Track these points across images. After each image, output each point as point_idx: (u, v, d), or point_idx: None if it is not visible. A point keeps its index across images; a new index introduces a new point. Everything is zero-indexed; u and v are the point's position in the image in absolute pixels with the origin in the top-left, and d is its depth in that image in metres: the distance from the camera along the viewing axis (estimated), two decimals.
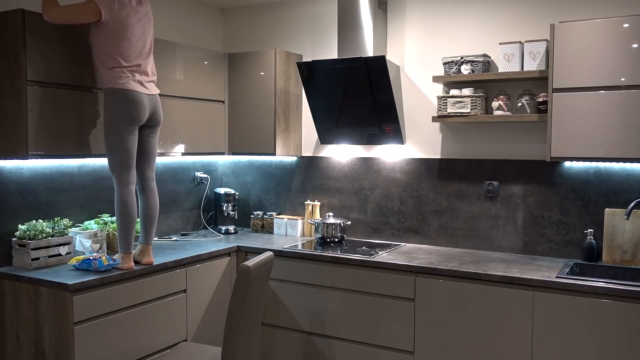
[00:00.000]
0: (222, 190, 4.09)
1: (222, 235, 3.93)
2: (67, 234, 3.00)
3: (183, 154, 3.63)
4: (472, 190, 3.46)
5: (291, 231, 3.95)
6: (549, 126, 2.91)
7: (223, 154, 3.97)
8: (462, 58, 3.27)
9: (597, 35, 2.78)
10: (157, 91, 3.01)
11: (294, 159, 4.09)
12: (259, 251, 3.33)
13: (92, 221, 3.22)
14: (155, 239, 3.74)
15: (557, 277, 2.72)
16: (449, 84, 3.42)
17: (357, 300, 3.20)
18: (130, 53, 2.83)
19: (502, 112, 3.20)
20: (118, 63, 2.79)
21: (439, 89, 3.48)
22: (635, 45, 2.70)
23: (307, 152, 4.06)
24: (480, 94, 3.24)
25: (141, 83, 2.87)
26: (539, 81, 3.12)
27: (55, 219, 3.04)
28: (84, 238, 3.03)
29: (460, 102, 3.24)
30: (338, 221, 3.69)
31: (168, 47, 3.47)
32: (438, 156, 3.57)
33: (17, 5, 2.74)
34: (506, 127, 3.35)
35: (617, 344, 2.56)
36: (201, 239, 3.79)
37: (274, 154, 3.81)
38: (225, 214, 4.04)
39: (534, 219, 3.28)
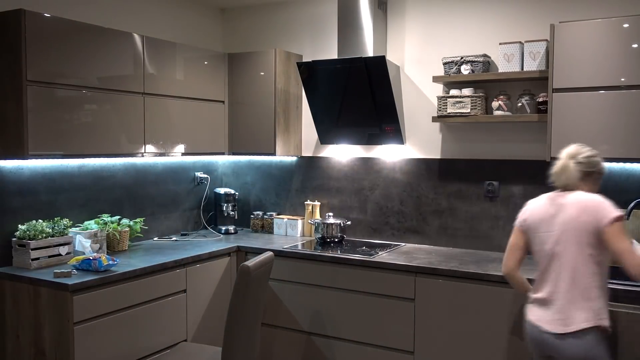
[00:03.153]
0: (222, 190, 4.08)
1: (222, 235, 3.92)
2: (67, 234, 3.00)
3: (183, 154, 3.63)
4: (472, 190, 3.45)
5: (291, 231, 3.95)
6: (549, 126, 2.91)
7: (223, 154, 3.97)
8: (462, 58, 3.27)
9: (597, 35, 2.78)
10: (567, 329, 2.17)
11: (294, 159, 4.09)
12: (259, 251, 3.33)
13: (92, 221, 3.22)
14: (155, 239, 3.75)
15: None
16: (449, 84, 3.41)
17: (357, 300, 3.20)
18: (540, 263, 2.32)
19: (502, 112, 3.20)
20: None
21: (439, 89, 3.48)
22: (635, 45, 2.69)
23: (307, 152, 4.06)
24: (480, 94, 3.24)
25: (540, 307, 2.27)
26: (539, 81, 3.12)
27: (55, 219, 3.04)
28: (84, 238, 3.03)
29: (460, 102, 3.24)
30: (338, 221, 3.69)
31: (168, 47, 3.47)
32: (438, 156, 3.57)
33: (17, 5, 2.74)
34: (506, 127, 3.35)
35: (617, 344, 2.56)
36: (201, 239, 3.79)
37: (274, 154, 3.80)
38: (225, 214, 4.04)
39: None
